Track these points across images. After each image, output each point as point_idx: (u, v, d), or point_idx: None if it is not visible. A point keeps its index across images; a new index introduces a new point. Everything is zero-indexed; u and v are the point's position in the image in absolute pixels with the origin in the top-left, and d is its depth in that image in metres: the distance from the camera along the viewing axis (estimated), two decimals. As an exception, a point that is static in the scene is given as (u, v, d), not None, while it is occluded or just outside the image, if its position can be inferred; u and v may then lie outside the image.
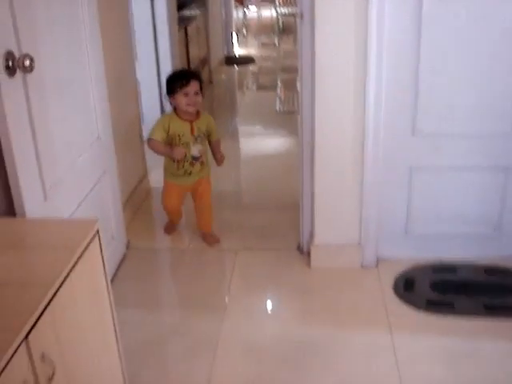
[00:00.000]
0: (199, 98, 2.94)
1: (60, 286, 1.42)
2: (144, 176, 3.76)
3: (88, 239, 1.62)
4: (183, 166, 2.98)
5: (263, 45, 9.04)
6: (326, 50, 2.57)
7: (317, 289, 2.75)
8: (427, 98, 2.64)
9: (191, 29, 5.75)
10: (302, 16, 2.66)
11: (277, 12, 9.16)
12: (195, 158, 2.98)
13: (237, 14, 9.80)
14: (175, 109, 2.96)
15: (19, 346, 1.22)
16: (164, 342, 2.43)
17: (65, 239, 1.63)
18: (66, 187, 2.25)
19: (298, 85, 2.83)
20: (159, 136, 2.92)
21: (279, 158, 4.39)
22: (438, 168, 2.78)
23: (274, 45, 8.87)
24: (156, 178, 3.59)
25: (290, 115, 5.38)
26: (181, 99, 2.89)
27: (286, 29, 9.05)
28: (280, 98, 6.25)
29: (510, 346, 2.35)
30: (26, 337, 1.26)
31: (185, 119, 2.94)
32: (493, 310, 2.56)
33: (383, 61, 2.57)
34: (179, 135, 2.92)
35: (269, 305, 2.69)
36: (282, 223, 3.31)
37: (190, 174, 3.01)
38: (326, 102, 2.65)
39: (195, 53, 5.96)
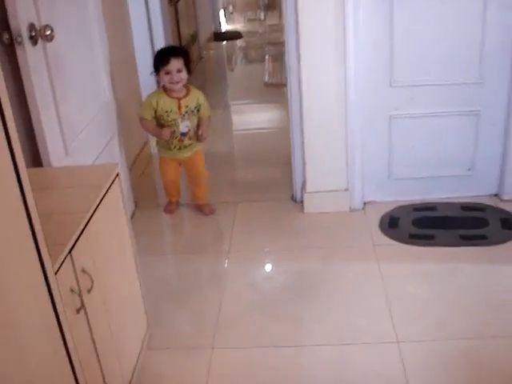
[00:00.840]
0: (183, 75, 2.98)
1: (92, 215, 1.71)
2: (145, 143, 4.03)
3: (111, 179, 1.91)
4: (172, 143, 3.09)
5: (249, 20, 9.27)
6: (308, 17, 2.84)
7: (310, 230, 3.05)
8: (401, 52, 2.93)
9: (181, 6, 5.99)
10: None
11: (262, -13, 9.37)
12: (183, 134, 3.07)
13: (222, -10, 10.03)
14: (163, 86, 3.04)
15: (66, 257, 1.51)
16: (177, 281, 2.74)
17: (92, 180, 1.91)
18: (83, 146, 2.52)
19: (285, 48, 3.08)
20: (148, 114, 3.03)
21: (269, 124, 4.68)
22: (414, 116, 3.07)
23: (260, 20, 9.09)
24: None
25: (278, 87, 5.63)
26: (164, 78, 2.98)
27: (270, 4, 9.27)
28: (268, 71, 6.46)
29: (481, 266, 2.67)
30: (70, 252, 1.54)
31: (173, 96, 3.02)
32: (467, 240, 2.86)
33: (360, 21, 2.85)
34: (167, 112, 3.00)
35: (267, 245, 2.96)
36: (276, 178, 3.60)
37: (179, 148, 3.11)
38: (310, 63, 2.92)
39: (185, 29, 6.20)
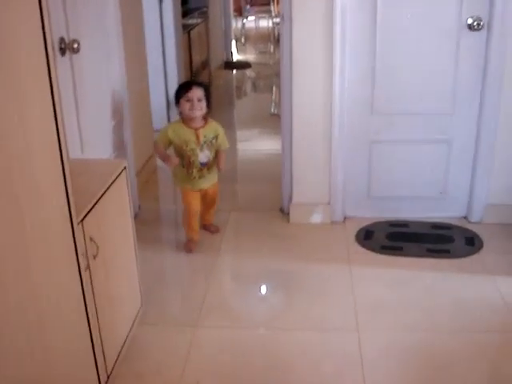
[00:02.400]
0: (203, 104, 3.04)
1: (102, 195, 2.07)
2: (152, 156, 4.41)
3: (119, 170, 2.28)
4: (192, 172, 3.11)
5: (260, 52, 9.72)
6: (301, 46, 3.24)
7: (293, 237, 3.41)
8: (382, 84, 3.31)
9: (193, 35, 6.43)
10: (283, 18, 3.33)
11: (273, 22, 9.85)
12: (203, 164, 3.11)
13: (236, 23, 10.54)
14: (182, 117, 3.10)
15: (79, 223, 1.86)
16: (170, 271, 3.11)
17: (103, 170, 2.28)
18: (96, 147, 2.90)
19: (280, 77, 3.46)
20: (161, 142, 3.10)
21: (269, 147, 5.05)
22: (392, 141, 3.43)
23: (270, 52, 9.55)
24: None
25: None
26: (184, 105, 3.03)
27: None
28: (275, 101, 6.79)
29: (441, 274, 3.01)
30: (82, 220, 1.90)
31: (190, 127, 3.07)
32: (433, 253, 3.20)
33: (346, 58, 3.24)
34: (185, 142, 3.05)
35: (254, 247, 3.30)
36: (268, 192, 3.96)
37: (199, 178, 3.14)
38: (301, 93, 3.32)
39: (197, 57, 6.63)
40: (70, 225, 1.70)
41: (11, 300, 1.42)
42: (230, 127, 5.96)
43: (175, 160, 3.08)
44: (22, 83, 1.43)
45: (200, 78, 6.81)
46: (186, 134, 3.06)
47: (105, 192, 2.11)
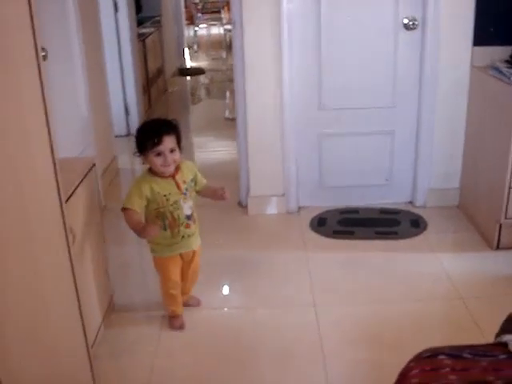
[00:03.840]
0: (176, 156, 2.45)
1: (74, 190, 2.27)
2: (114, 159, 4.59)
3: (89, 166, 2.48)
4: (178, 232, 2.52)
5: (213, 59, 9.95)
6: (252, 49, 3.49)
7: (252, 227, 3.65)
8: (328, 81, 3.57)
9: (148, 43, 6.62)
10: (235, 24, 3.56)
11: (224, 29, 10.09)
12: (188, 217, 2.54)
13: (188, 31, 10.77)
14: (150, 168, 2.50)
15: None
16: (137, 264, 3.29)
17: (75, 167, 2.47)
18: (63, 149, 3.07)
19: (234, 79, 3.69)
20: (137, 205, 2.42)
21: (225, 148, 5.29)
22: (340, 134, 3.70)
23: (222, 58, 9.78)
24: (123, 161, 4.53)
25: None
26: (155, 161, 2.42)
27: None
28: (228, 106, 6.98)
29: (389, 254, 3.27)
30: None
31: (165, 176, 2.48)
32: (381, 235, 3.47)
33: (293, 56, 3.49)
34: (165, 195, 2.46)
35: (215, 239, 3.48)
36: (226, 187, 4.16)
37: (188, 236, 2.57)
38: (254, 94, 3.57)
39: (152, 64, 6.82)
40: (59, 204, 1.89)
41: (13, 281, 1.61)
42: (186, 132, 6.16)
43: (155, 227, 2.42)
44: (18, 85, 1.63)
45: (156, 85, 7.00)
46: (165, 186, 2.47)
47: (78, 186, 2.31)
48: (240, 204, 3.92)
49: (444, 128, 3.62)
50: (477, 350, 1.57)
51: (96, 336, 2.50)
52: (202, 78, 8.68)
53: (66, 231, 1.93)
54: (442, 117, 3.59)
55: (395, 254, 3.28)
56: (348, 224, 3.61)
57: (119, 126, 5.30)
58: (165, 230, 2.50)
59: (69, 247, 1.96)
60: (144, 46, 6.36)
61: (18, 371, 1.65)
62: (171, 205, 2.47)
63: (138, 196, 2.43)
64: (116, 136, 4.98)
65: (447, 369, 1.50)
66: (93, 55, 4.12)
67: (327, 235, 3.49)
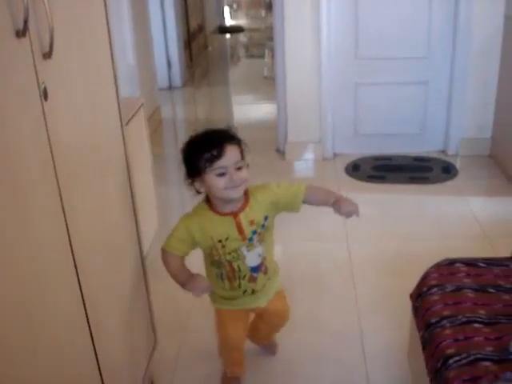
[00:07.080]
0: (244, 173, 1.73)
1: (127, 122, 2.47)
2: (157, 108, 4.80)
3: (139, 105, 2.68)
4: (239, 286, 1.85)
5: (252, 17, 10.05)
6: (291, 7, 3.64)
7: (289, 171, 3.84)
8: (365, 32, 3.70)
9: (189, 0, 6.77)
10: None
11: (264, -13, 10.17)
12: (255, 270, 1.84)
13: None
14: (207, 198, 1.79)
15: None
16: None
17: (126, 104, 2.66)
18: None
19: (274, 35, 3.85)
20: (179, 248, 1.80)
21: (264, 108, 5.45)
22: (375, 83, 3.83)
23: (261, 17, 9.87)
24: (165, 112, 4.73)
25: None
26: (215, 182, 1.68)
27: (272, 3, 10.03)
28: (267, 65, 7.08)
29: (420, 197, 3.44)
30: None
31: (224, 213, 1.76)
32: (414, 180, 3.62)
33: (332, 13, 3.63)
34: (221, 241, 1.77)
35: (253, 182, 3.67)
36: (265, 136, 4.36)
37: (251, 292, 1.88)
38: (293, 48, 3.74)
39: (193, 20, 6.98)
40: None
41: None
42: (226, 88, 6.33)
43: (204, 282, 1.81)
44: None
45: (196, 41, 7.17)
46: (220, 226, 1.77)
47: (131, 118, 2.51)
48: (278, 150, 4.10)
49: (477, 79, 3.73)
50: (491, 260, 1.74)
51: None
52: (241, 37, 8.81)
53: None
54: (475, 67, 3.69)
55: (425, 196, 3.43)
56: (382, 170, 3.76)
57: (162, 79, 5.50)
58: (221, 280, 1.86)
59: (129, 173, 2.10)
60: (185, 1, 6.51)
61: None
62: (228, 253, 1.78)
63: (184, 235, 1.78)
64: (160, 89, 5.20)
65: (462, 273, 1.67)
66: (137, 6, 4.30)
67: (361, 179, 3.65)
